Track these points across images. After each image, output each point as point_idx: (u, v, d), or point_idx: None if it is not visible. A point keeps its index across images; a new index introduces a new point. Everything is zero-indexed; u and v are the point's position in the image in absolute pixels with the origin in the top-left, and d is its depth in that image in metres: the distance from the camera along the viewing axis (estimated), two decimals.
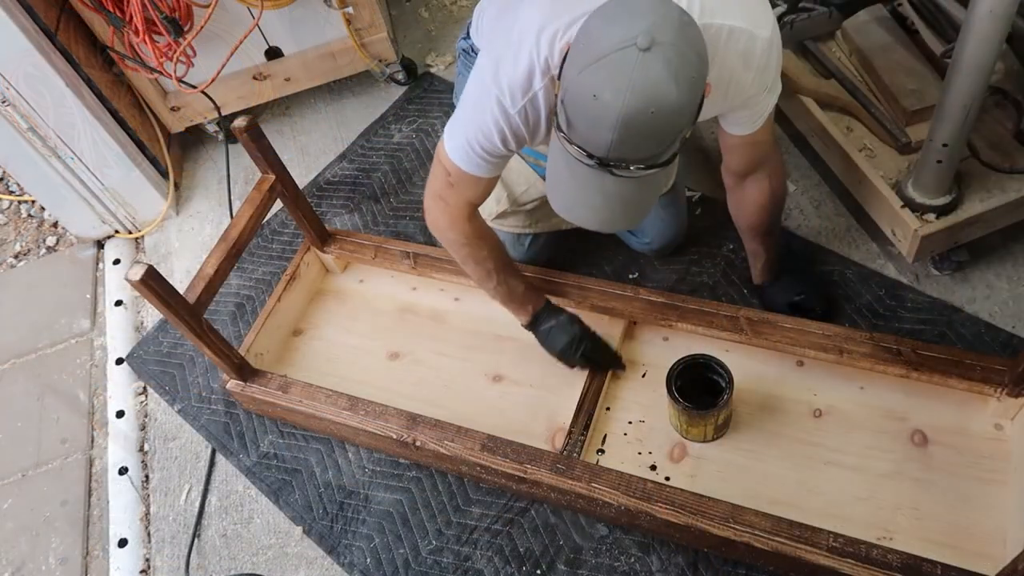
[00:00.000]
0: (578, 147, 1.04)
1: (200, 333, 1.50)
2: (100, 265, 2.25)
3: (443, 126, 2.21)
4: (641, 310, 1.59)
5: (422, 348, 1.77)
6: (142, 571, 1.68)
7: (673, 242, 1.77)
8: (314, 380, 1.67)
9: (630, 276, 1.81)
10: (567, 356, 1.57)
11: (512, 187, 1.67)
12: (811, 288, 1.65)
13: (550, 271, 1.68)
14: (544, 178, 1.61)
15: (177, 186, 2.30)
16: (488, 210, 1.72)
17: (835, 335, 1.48)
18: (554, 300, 1.63)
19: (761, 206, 1.48)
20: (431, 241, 1.99)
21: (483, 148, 1.26)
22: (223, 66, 1.98)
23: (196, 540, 1.67)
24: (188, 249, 2.19)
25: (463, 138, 1.27)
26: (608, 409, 1.59)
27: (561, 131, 1.06)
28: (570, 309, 1.61)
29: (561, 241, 1.81)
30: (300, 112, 2.41)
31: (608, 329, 1.63)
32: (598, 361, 1.58)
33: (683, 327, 1.57)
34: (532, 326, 1.59)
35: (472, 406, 1.65)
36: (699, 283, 1.78)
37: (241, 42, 1.96)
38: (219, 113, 2.20)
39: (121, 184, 2.13)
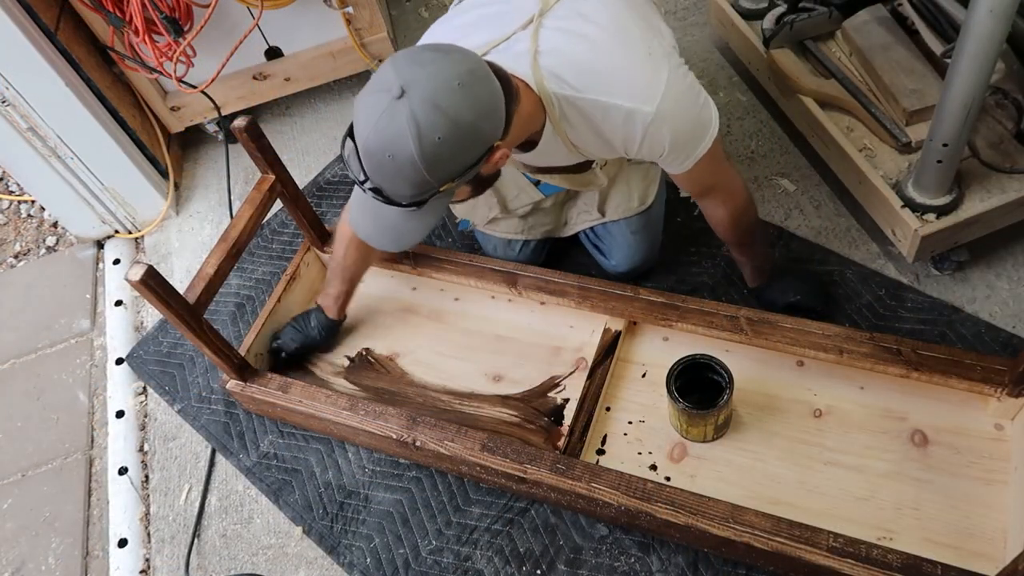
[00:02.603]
0: (354, 167, 1.12)
1: (200, 333, 1.50)
2: (100, 265, 2.25)
3: None
4: (641, 310, 1.59)
5: (422, 348, 1.77)
6: (142, 571, 1.68)
7: (640, 267, 1.74)
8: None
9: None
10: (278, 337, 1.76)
11: (504, 193, 1.67)
12: (808, 288, 1.65)
13: (551, 271, 1.68)
14: (535, 185, 1.62)
15: (177, 186, 2.30)
16: (481, 216, 1.72)
17: (835, 335, 1.48)
18: (554, 299, 1.64)
19: (722, 224, 1.49)
20: (431, 241, 1.99)
21: None
22: (223, 66, 1.98)
23: (196, 540, 1.68)
24: (188, 249, 2.19)
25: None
26: (608, 409, 1.59)
27: (354, 143, 1.13)
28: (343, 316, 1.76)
29: (553, 246, 1.81)
30: (300, 112, 2.42)
31: (609, 326, 1.63)
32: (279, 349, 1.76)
33: (683, 327, 1.57)
34: (316, 309, 1.74)
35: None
36: (699, 283, 1.78)
37: (241, 42, 1.96)
38: (219, 113, 2.21)
39: (121, 184, 2.14)
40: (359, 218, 1.22)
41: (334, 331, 1.76)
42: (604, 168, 1.54)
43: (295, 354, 1.75)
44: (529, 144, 1.28)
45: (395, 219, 1.16)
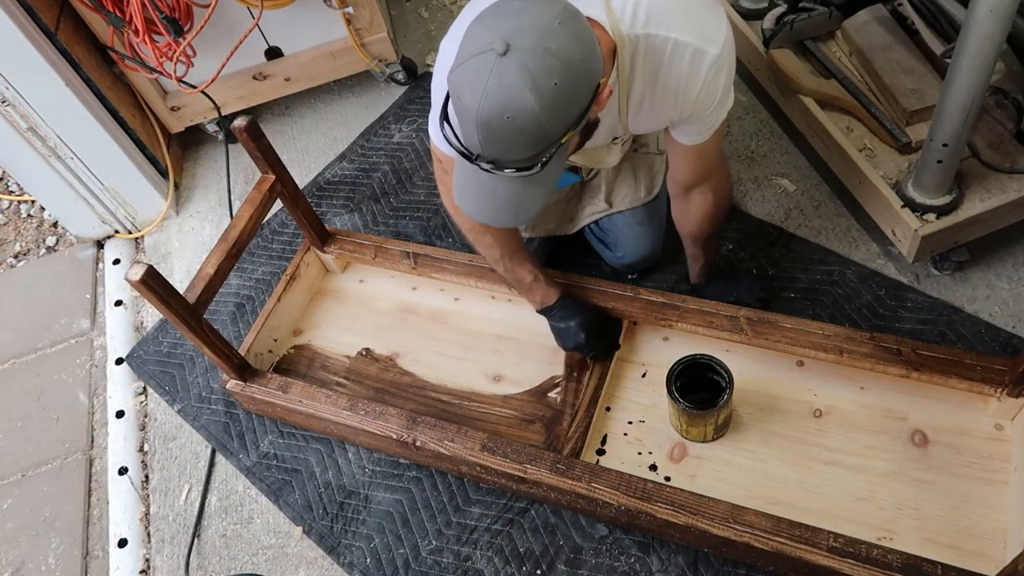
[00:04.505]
0: (459, 143, 1.07)
1: (200, 333, 1.50)
2: (100, 265, 2.25)
3: None
4: (641, 310, 1.59)
5: (422, 348, 1.77)
6: (142, 571, 1.68)
7: (647, 259, 1.74)
8: None
9: (630, 276, 1.81)
10: (576, 352, 1.61)
11: None
12: (744, 291, 1.68)
13: (551, 271, 1.68)
14: None
15: (177, 186, 2.30)
16: None
17: (835, 335, 1.48)
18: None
19: (704, 216, 1.49)
20: (431, 241, 1.99)
21: None
22: (223, 66, 1.98)
23: (196, 540, 1.68)
24: (188, 249, 2.19)
25: (438, 126, 1.29)
26: (608, 409, 1.59)
27: (449, 126, 1.09)
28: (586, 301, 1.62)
29: (556, 243, 1.81)
30: (300, 112, 2.42)
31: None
32: (600, 355, 1.60)
33: (683, 327, 1.57)
34: (545, 314, 1.60)
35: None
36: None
37: (241, 42, 1.96)
38: (219, 113, 2.21)
39: (121, 184, 2.14)
40: (471, 203, 1.15)
41: (577, 299, 1.59)
42: (621, 145, 1.53)
43: (594, 333, 1.57)
44: None
45: (512, 191, 1.10)
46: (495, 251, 1.50)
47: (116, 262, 2.23)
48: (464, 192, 1.15)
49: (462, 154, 1.07)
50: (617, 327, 1.63)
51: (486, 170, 1.06)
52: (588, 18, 1.11)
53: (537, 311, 1.60)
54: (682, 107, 1.24)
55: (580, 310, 1.57)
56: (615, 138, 1.46)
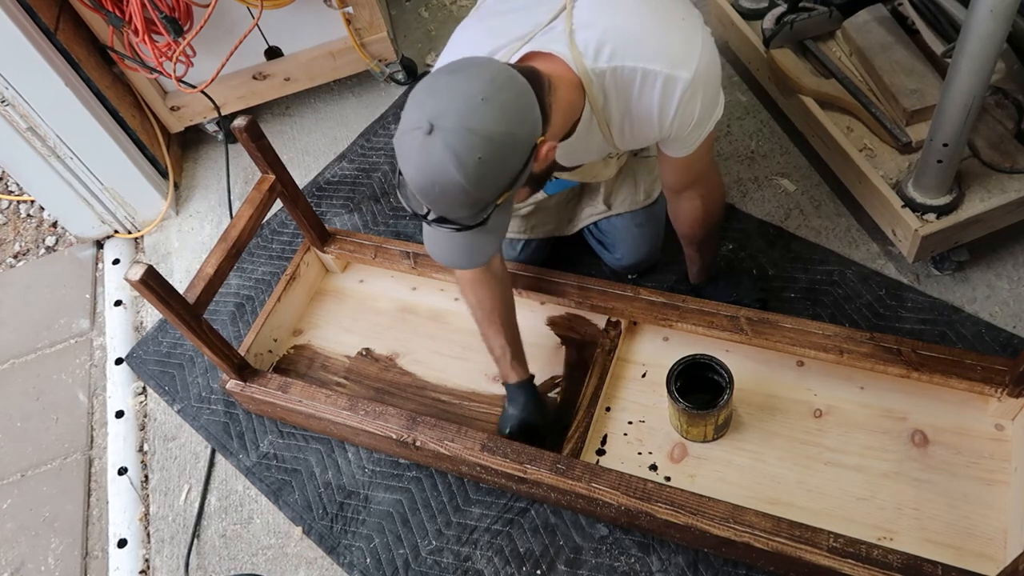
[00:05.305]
0: (414, 203, 1.14)
1: (200, 333, 1.50)
2: (100, 265, 2.25)
3: None
4: (641, 310, 1.59)
5: (422, 348, 1.77)
6: (141, 571, 1.68)
7: (645, 261, 1.74)
8: None
9: (630, 276, 1.81)
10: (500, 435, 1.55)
11: None
12: (744, 291, 1.68)
13: (551, 271, 1.68)
14: None
15: (177, 186, 2.30)
16: None
17: (835, 335, 1.47)
18: (554, 300, 1.64)
19: (694, 220, 1.49)
20: None
21: None
22: (223, 66, 1.98)
23: (196, 540, 1.67)
24: (188, 249, 2.19)
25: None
26: (608, 409, 1.59)
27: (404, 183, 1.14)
28: (549, 393, 1.62)
29: (556, 244, 1.81)
30: (300, 112, 2.42)
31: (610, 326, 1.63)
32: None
33: (683, 327, 1.57)
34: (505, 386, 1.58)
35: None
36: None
37: (241, 42, 1.96)
38: (219, 113, 2.21)
39: (121, 184, 2.14)
40: (432, 246, 1.22)
41: (534, 394, 1.56)
42: (617, 159, 1.54)
43: (521, 432, 1.53)
44: (564, 136, 1.26)
45: (464, 241, 1.16)
46: (475, 313, 1.52)
47: (116, 262, 2.23)
48: (427, 237, 1.22)
49: (413, 213, 1.14)
50: (547, 433, 1.54)
51: (437, 226, 1.13)
52: (550, 54, 1.15)
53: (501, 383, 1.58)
54: (660, 131, 1.26)
55: (524, 406, 1.54)
56: (609, 154, 1.46)
